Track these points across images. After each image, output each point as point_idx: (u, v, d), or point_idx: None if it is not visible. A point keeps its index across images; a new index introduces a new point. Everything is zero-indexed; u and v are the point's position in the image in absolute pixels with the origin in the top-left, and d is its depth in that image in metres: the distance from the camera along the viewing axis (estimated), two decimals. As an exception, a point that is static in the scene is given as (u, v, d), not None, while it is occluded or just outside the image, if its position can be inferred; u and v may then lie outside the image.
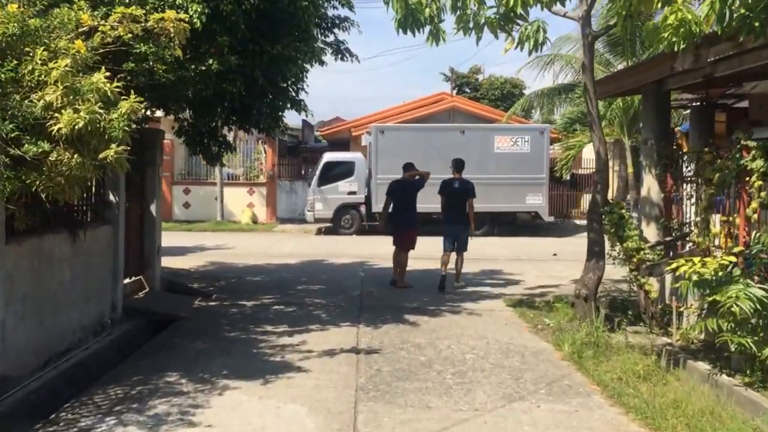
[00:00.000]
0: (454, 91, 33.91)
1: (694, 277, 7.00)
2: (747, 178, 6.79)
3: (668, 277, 8.32)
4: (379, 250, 16.41)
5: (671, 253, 8.44)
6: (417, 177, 11.07)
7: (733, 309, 5.68)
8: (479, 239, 19.78)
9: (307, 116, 10.39)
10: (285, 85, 9.05)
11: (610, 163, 23.50)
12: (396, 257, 10.91)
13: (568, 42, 20.15)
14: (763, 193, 6.59)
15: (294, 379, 5.79)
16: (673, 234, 8.39)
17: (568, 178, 20.97)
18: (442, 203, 11.02)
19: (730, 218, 7.19)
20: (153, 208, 9.32)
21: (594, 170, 15.32)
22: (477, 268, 13.14)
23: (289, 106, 9.54)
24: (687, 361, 6.70)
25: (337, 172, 20.78)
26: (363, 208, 20.56)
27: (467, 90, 40.49)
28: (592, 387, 5.83)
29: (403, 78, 76.30)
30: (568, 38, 20.16)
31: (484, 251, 16.68)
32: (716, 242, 7.66)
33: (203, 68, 6.95)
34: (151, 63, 6.35)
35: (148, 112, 8.44)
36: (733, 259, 6.81)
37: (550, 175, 21.09)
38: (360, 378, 5.87)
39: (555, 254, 15.95)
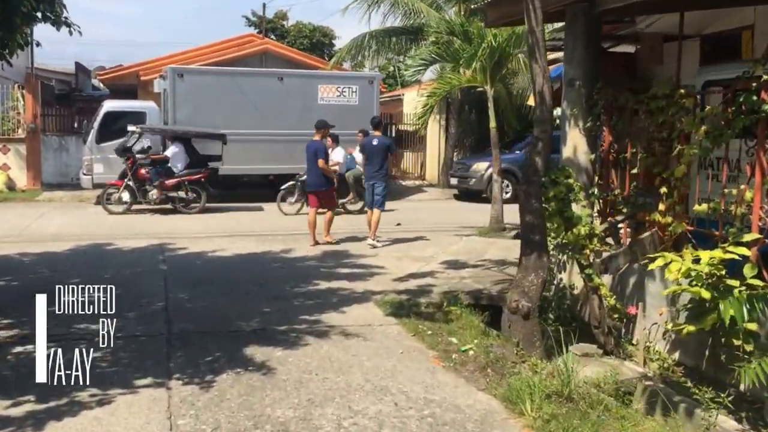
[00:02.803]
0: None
1: (672, 276, 4.77)
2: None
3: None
4: (182, 225, 12.83)
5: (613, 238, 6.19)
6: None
7: None
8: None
9: (71, 31, 6.57)
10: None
11: (442, 118, 21.73)
12: (315, 218, 10.60)
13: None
14: (807, 156, 4.41)
15: None
16: (621, 209, 6.11)
17: (424, 133, 18.43)
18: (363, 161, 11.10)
19: (732, 191, 4.98)
20: None
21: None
22: (319, 250, 10.21)
23: (38, 12, 5.84)
24: (694, 411, 4.43)
25: (123, 125, 16.48)
26: (158, 170, 16.57)
27: (273, 37, 36.71)
28: None
29: (200, 25, 69.30)
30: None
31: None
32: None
33: None
34: None
35: None
36: (744, 251, 4.61)
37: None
38: None
39: (399, 224, 13.55)
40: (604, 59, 11.06)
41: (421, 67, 12.62)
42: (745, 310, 3.78)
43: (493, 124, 11.60)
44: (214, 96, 16.49)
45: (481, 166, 18.31)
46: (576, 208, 5.82)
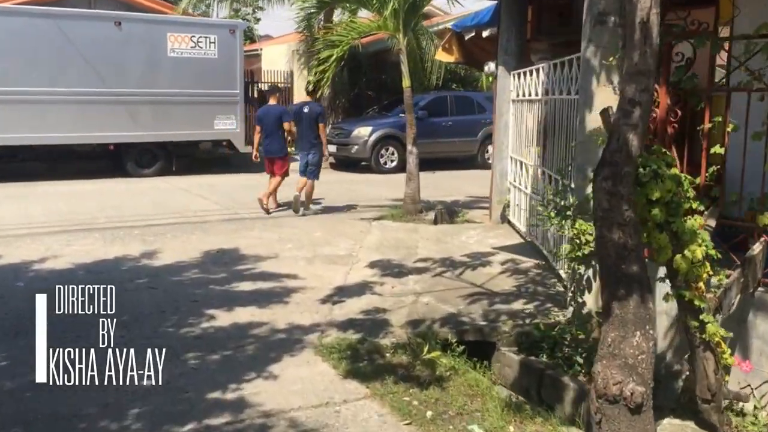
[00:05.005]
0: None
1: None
2: None
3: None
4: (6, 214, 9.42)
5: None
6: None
7: None
8: (155, 181, 13.74)
9: None
10: None
11: (311, 76, 19.09)
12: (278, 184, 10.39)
13: None
14: None
15: None
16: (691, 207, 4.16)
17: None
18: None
19: None
20: None
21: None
22: (196, 250, 7.59)
23: None
24: None
25: None
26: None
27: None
28: None
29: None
30: None
31: (176, 204, 10.99)
32: None
33: None
34: None
35: None
36: None
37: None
38: None
39: (283, 204, 11.09)
40: (535, 6, 9.32)
41: (314, 10, 10.10)
42: None
43: (407, 82, 9.42)
44: (28, 45, 12.85)
45: (363, 132, 16.12)
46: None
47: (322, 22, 17.07)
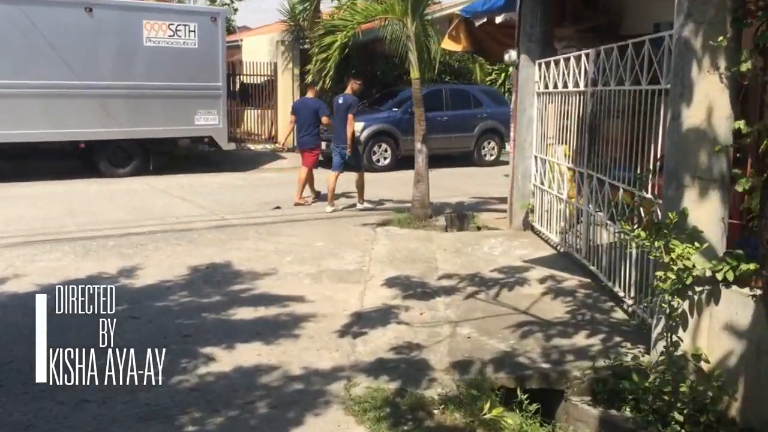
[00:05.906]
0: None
1: None
2: None
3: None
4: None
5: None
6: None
7: None
8: (131, 182, 12.61)
9: None
10: None
11: (296, 67, 17.98)
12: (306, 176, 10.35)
13: None
14: None
15: None
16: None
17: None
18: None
19: None
20: None
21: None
22: (183, 265, 6.59)
23: None
24: None
25: None
26: None
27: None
28: None
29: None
30: None
31: (156, 208, 9.95)
32: None
33: None
34: None
35: None
36: None
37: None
38: None
39: (278, 207, 10.12)
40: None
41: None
42: None
43: (416, 74, 8.43)
44: (-8, 32, 11.67)
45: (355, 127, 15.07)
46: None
47: (309, 12, 16.06)
